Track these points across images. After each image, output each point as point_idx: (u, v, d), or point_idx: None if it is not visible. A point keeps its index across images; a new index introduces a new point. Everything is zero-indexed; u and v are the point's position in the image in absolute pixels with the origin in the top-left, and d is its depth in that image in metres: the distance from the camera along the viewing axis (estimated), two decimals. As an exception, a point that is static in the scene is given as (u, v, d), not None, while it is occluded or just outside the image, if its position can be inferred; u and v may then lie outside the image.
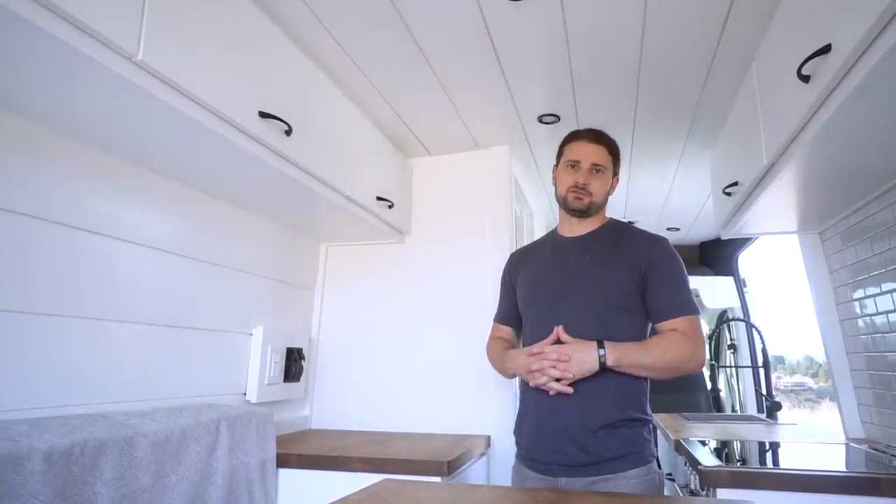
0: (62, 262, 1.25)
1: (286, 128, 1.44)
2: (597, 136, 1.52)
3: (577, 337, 1.37)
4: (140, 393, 1.44)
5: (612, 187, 1.55)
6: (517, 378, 1.53)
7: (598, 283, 1.42)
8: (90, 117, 1.18)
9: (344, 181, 1.80)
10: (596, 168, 1.49)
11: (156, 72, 1.06)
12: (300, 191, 1.67)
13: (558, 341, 1.37)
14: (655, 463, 1.38)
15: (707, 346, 1.40)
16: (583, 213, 1.51)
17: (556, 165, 1.59)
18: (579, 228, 1.54)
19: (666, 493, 2.06)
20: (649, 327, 1.44)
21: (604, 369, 1.31)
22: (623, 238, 1.49)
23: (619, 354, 1.31)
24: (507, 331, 1.66)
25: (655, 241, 1.47)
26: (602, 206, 1.53)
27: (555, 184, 1.58)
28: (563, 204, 1.53)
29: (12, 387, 1.14)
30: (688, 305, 1.39)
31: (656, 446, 1.61)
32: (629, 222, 3.48)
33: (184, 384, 1.59)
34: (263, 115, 1.36)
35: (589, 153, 1.49)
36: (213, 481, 1.39)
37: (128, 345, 1.41)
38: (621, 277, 1.41)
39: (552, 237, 1.63)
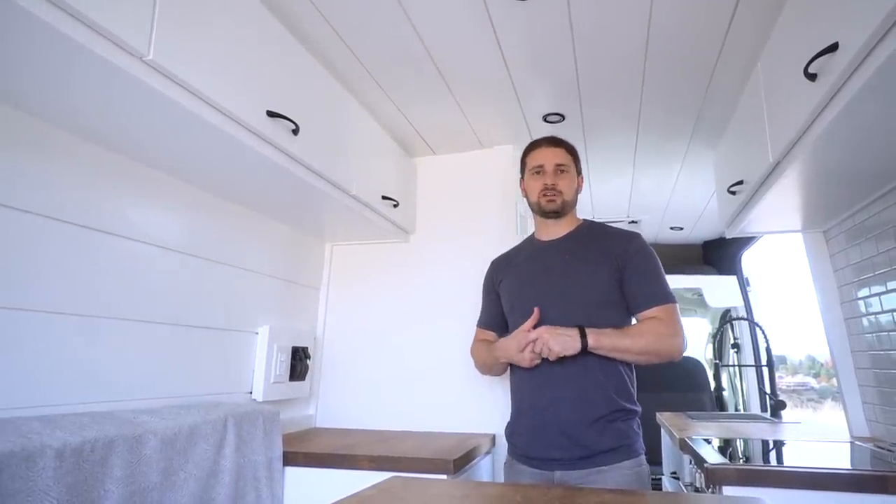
0: (73, 261, 1.26)
1: (293, 127, 1.44)
2: (554, 141, 1.64)
3: None
4: (148, 391, 1.45)
5: (579, 186, 1.65)
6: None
7: (580, 282, 1.50)
8: (100, 116, 1.19)
9: (350, 180, 1.80)
10: (560, 168, 1.59)
11: (166, 71, 1.06)
12: (306, 190, 1.68)
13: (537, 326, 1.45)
14: (644, 456, 1.46)
15: (685, 333, 1.47)
16: (557, 214, 1.59)
17: (522, 178, 1.69)
18: (556, 231, 1.62)
19: (671, 490, 2.07)
20: (633, 321, 1.53)
21: (586, 351, 1.39)
22: (599, 237, 1.58)
23: (596, 336, 1.39)
24: (491, 335, 1.72)
25: (630, 237, 1.56)
26: (573, 204, 1.63)
27: (525, 195, 1.68)
28: (538, 209, 1.62)
29: (24, 385, 1.14)
30: (663, 295, 1.47)
31: (660, 443, 1.62)
32: (631, 222, 3.49)
33: (191, 382, 1.60)
34: (271, 114, 1.37)
35: (549, 156, 1.60)
36: (220, 479, 1.40)
37: (136, 343, 1.42)
38: (601, 274, 1.49)
39: (531, 242, 1.71)
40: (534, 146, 1.67)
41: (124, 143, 1.33)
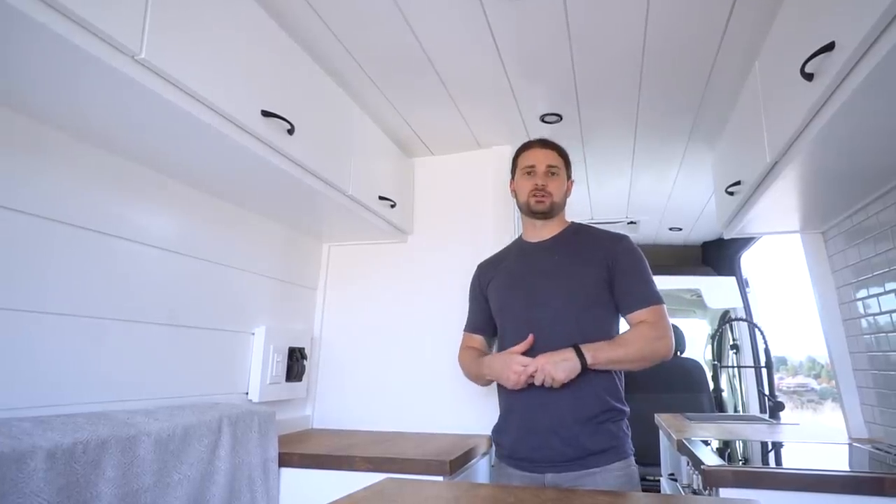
0: (66, 262, 1.25)
1: (288, 126, 1.44)
2: (546, 143, 1.66)
3: (553, 335, 1.45)
4: (143, 392, 1.44)
5: (568, 190, 1.66)
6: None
7: (568, 283, 1.50)
8: (94, 117, 1.18)
9: (346, 180, 1.80)
10: (551, 170, 1.60)
11: (158, 70, 1.06)
12: (302, 190, 1.67)
13: (530, 352, 1.45)
14: (633, 457, 1.46)
15: (673, 333, 1.49)
16: (546, 215, 1.60)
17: (513, 179, 1.69)
18: (544, 232, 1.63)
19: (668, 492, 2.06)
20: (620, 319, 1.54)
21: (584, 369, 1.38)
22: (587, 238, 1.59)
23: (593, 353, 1.39)
24: (478, 340, 1.72)
25: (618, 238, 1.57)
26: (562, 206, 1.63)
27: (514, 195, 1.68)
28: (527, 209, 1.62)
29: (17, 385, 1.14)
30: (651, 296, 1.48)
31: (658, 445, 1.62)
32: (630, 222, 3.48)
33: (186, 383, 1.59)
34: (266, 113, 1.36)
35: (542, 157, 1.61)
36: (214, 480, 1.39)
37: (131, 344, 1.41)
38: (589, 275, 1.49)
39: (518, 244, 1.71)
40: (526, 147, 1.68)
41: (120, 143, 1.33)
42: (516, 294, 1.56)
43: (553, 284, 1.51)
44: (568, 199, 1.66)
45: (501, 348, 1.58)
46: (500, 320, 1.62)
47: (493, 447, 1.96)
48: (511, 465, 1.48)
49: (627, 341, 1.44)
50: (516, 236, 2.29)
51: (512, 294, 1.58)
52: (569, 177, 1.66)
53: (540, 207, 1.57)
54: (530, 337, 1.45)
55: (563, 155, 1.65)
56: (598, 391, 1.43)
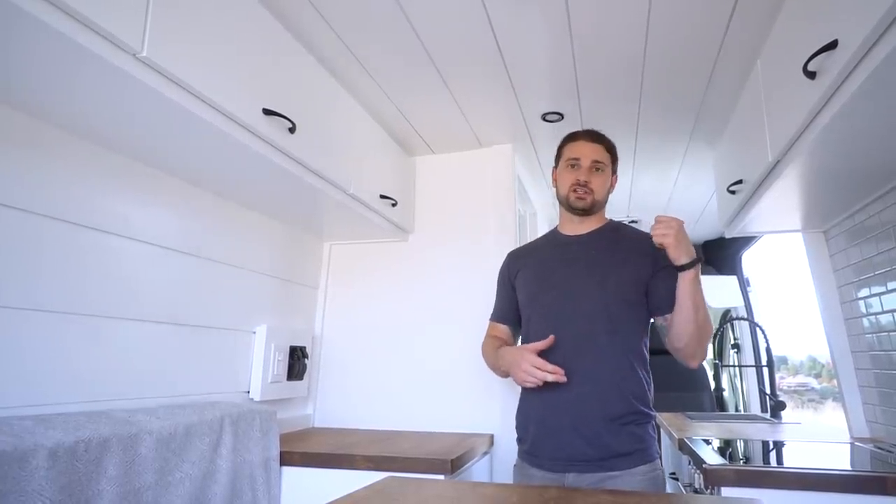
0: (67, 260, 1.25)
1: (290, 125, 1.44)
2: (595, 136, 1.56)
3: (583, 330, 1.41)
4: (144, 390, 1.44)
5: (612, 185, 1.58)
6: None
7: (604, 279, 1.45)
8: (95, 114, 1.18)
9: (347, 179, 1.80)
10: (596, 166, 1.52)
11: (160, 68, 1.06)
12: (303, 189, 1.67)
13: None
14: (659, 460, 1.40)
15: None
16: (585, 212, 1.53)
17: (556, 167, 1.62)
18: (581, 227, 1.57)
19: (670, 491, 2.06)
20: (649, 325, 1.49)
21: (691, 265, 1.36)
22: (625, 237, 1.54)
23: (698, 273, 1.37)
24: (503, 329, 1.66)
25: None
26: (603, 204, 1.56)
27: (555, 185, 1.61)
28: (566, 203, 1.55)
29: (18, 384, 1.14)
30: None
31: (660, 444, 1.61)
32: (631, 221, 3.48)
33: (188, 382, 1.59)
34: (267, 112, 1.36)
35: (588, 151, 1.52)
36: (216, 479, 1.39)
37: (132, 342, 1.41)
38: (628, 273, 1.44)
39: (553, 236, 1.65)
40: (573, 138, 1.59)
41: (120, 141, 1.33)
42: (548, 286, 1.51)
43: (588, 278, 1.46)
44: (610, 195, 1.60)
45: (526, 340, 1.52)
46: (527, 311, 1.56)
47: (493, 446, 1.98)
48: (533, 463, 1.43)
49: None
50: (518, 235, 2.31)
51: (543, 285, 1.53)
52: (614, 172, 1.58)
53: (580, 204, 1.51)
54: (551, 338, 1.38)
55: (610, 150, 1.56)
56: (623, 393, 1.38)
